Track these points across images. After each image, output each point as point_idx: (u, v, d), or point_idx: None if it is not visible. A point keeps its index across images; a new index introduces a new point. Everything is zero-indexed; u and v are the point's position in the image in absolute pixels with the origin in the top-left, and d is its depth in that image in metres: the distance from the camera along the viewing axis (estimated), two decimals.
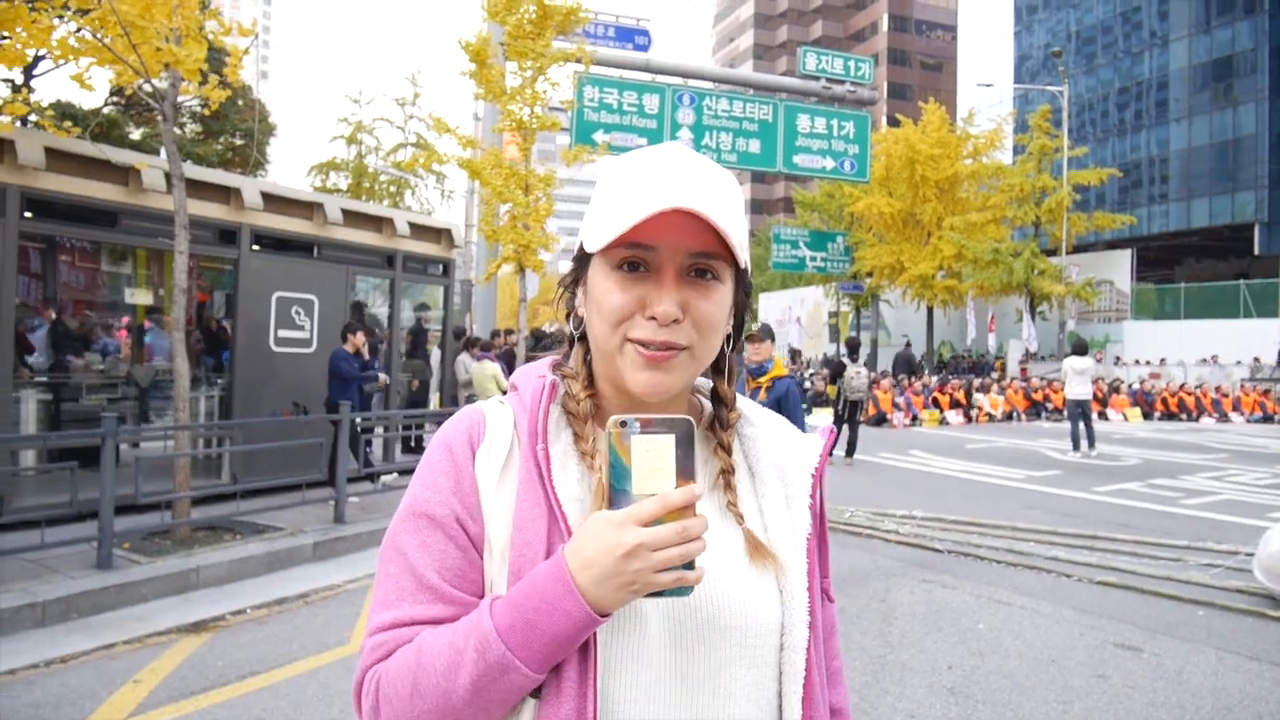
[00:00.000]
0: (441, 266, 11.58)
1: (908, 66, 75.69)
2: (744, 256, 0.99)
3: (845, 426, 12.84)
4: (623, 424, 0.86)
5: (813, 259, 34.85)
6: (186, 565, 6.06)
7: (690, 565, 0.85)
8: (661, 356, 0.95)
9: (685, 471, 0.86)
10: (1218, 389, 25.73)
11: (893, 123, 36.88)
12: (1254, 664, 4.74)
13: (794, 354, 37.22)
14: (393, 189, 35.12)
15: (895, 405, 20.16)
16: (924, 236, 33.88)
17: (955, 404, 21.58)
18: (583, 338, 1.05)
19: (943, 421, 20.66)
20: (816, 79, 21.92)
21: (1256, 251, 42.19)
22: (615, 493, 0.86)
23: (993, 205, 33.43)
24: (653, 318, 0.94)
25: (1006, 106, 39.49)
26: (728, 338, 1.04)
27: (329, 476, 7.82)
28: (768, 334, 5.96)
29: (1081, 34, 49.57)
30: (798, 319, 43.40)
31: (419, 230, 11.03)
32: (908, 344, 32.53)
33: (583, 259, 1.03)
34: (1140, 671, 4.66)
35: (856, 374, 12.74)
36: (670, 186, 0.93)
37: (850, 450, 12.91)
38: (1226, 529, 8.14)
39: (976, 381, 24.06)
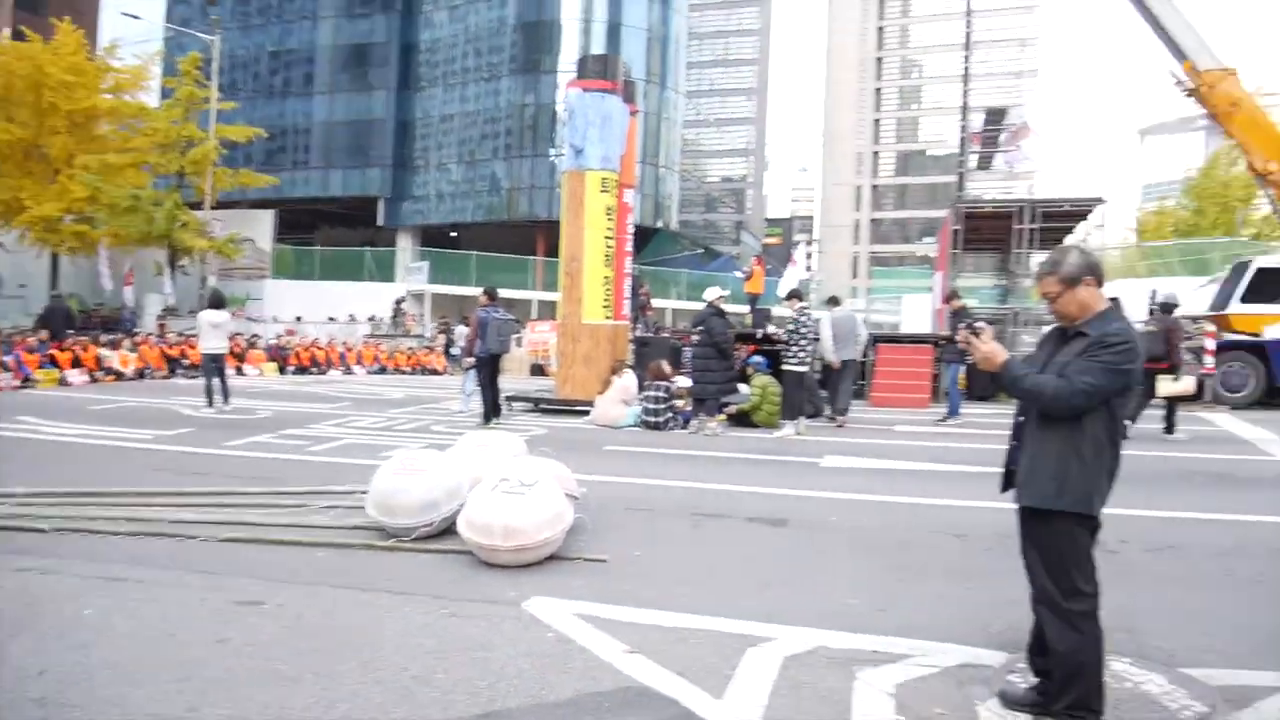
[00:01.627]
0: None
1: None
2: None
3: None
4: None
5: None
6: None
7: None
8: None
9: None
10: (345, 344, 28.37)
11: (19, 37, 31.39)
12: (365, 594, 5.01)
13: None
14: None
15: (3, 365, 17.21)
16: (51, 173, 29.88)
17: (78, 362, 19.37)
18: None
19: (63, 382, 18.37)
20: None
21: (380, 223, 48.09)
22: None
23: (134, 148, 31.17)
24: None
25: (155, 46, 37.04)
26: None
27: None
28: None
29: None
30: None
31: None
32: (58, 295, 27.64)
33: None
34: (262, 625, 4.54)
35: None
36: None
37: None
38: (348, 471, 8.71)
39: (105, 338, 22.07)
